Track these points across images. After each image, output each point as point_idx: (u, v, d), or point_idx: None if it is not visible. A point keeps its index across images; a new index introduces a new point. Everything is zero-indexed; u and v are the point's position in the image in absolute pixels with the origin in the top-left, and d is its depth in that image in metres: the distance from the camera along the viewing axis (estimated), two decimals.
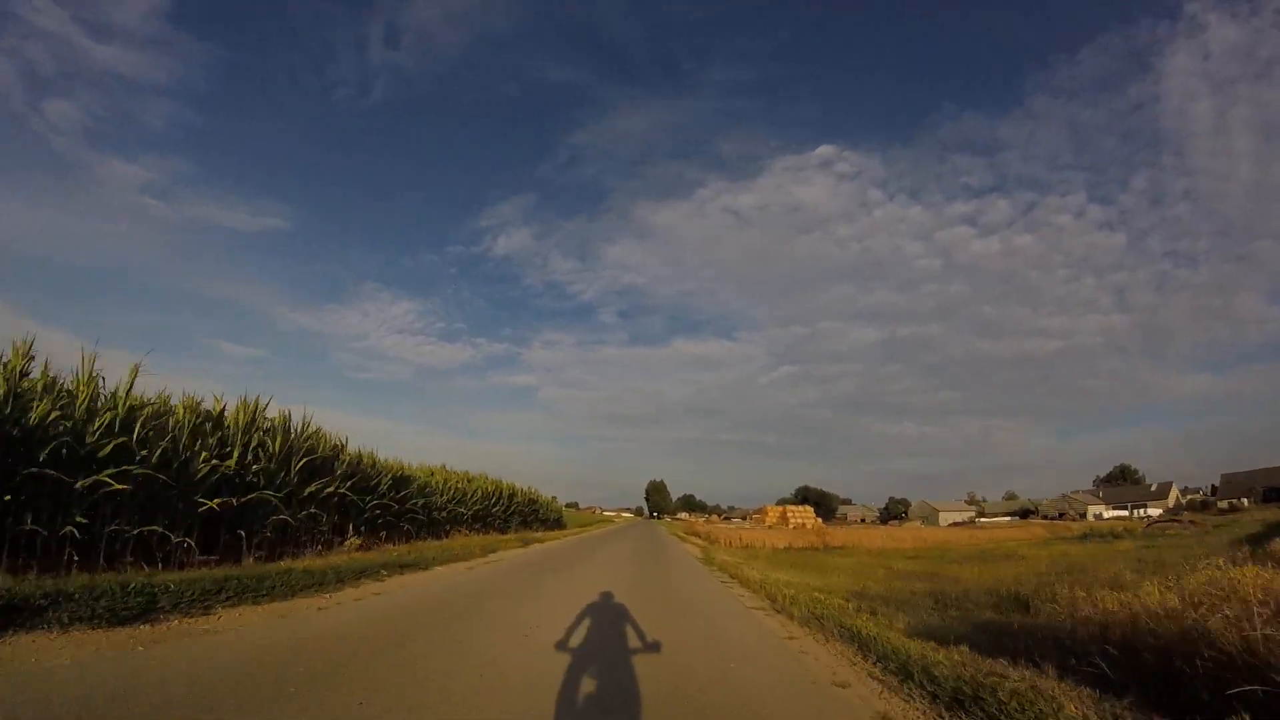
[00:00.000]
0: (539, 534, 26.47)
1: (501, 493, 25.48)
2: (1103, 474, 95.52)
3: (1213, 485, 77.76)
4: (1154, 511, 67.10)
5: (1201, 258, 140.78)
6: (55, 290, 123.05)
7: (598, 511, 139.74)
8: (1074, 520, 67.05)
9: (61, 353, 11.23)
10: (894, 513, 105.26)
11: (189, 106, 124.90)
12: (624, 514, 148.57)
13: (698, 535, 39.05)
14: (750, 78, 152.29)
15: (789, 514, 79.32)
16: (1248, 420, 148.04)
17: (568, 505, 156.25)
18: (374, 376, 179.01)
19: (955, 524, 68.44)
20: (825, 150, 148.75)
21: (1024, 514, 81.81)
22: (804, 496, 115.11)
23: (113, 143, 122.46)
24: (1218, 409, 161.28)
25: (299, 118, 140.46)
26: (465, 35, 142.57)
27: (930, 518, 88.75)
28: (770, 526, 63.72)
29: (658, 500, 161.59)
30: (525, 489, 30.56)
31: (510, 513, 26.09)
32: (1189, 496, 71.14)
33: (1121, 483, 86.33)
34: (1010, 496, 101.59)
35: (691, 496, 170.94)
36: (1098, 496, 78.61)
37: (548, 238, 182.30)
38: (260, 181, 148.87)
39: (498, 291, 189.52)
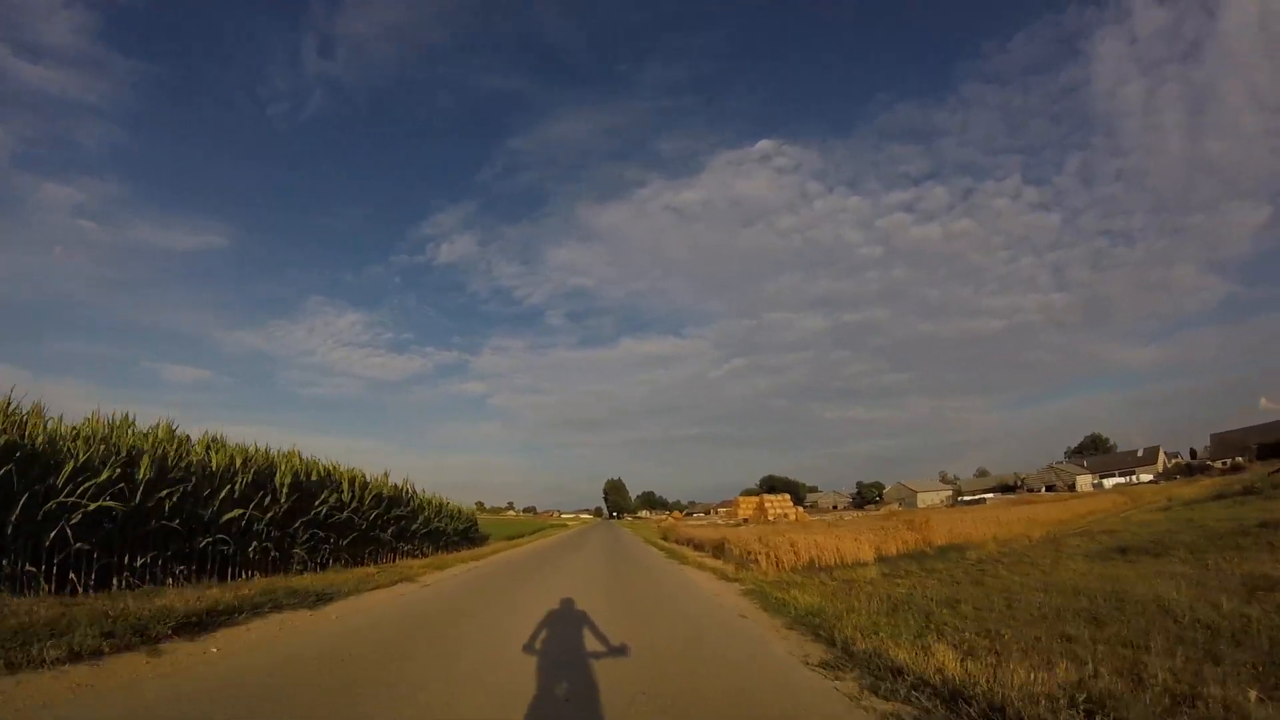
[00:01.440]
0: (369, 570, 12.34)
1: (278, 487, 10.98)
2: (1062, 444, 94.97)
3: (1192, 449, 77.15)
4: (1145, 477, 64.60)
5: (1137, 234, 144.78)
6: None
7: (556, 516, 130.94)
8: (1066, 491, 63.62)
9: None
10: (868, 497, 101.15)
11: (122, 126, 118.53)
12: (583, 515, 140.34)
13: (691, 543, 23.22)
14: (686, 76, 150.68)
15: (767, 504, 71.94)
16: (1190, 384, 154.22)
17: (525, 510, 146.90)
18: (324, 392, 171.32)
19: (967, 501, 63.42)
20: (765, 145, 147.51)
21: (1006, 489, 78.58)
22: (770, 486, 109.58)
23: (45, 166, 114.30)
24: (1162, 375, 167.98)
25: (235, 134, 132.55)
26: (399, 46, 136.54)
27: (908, 499, 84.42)
28: (746, 521, 56.20)
29: (617, 500, 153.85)
30: (378, 478, 16.47)
31: (327, 525, 12.62)
32: (1174, 460, 69.53)
33: (1094, 452, 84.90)
34: (982, 473, 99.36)
35: (651, 494, 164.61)
36: (1082, 466, 76.24)
37: (491, 244, 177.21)
38: (197, 200, 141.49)
39: (445, 299, 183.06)
